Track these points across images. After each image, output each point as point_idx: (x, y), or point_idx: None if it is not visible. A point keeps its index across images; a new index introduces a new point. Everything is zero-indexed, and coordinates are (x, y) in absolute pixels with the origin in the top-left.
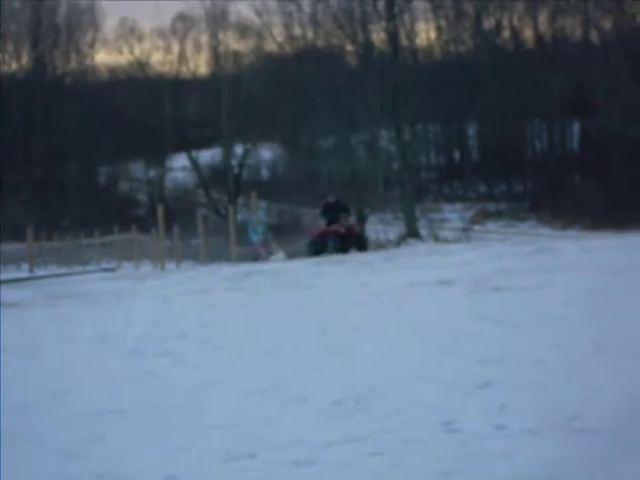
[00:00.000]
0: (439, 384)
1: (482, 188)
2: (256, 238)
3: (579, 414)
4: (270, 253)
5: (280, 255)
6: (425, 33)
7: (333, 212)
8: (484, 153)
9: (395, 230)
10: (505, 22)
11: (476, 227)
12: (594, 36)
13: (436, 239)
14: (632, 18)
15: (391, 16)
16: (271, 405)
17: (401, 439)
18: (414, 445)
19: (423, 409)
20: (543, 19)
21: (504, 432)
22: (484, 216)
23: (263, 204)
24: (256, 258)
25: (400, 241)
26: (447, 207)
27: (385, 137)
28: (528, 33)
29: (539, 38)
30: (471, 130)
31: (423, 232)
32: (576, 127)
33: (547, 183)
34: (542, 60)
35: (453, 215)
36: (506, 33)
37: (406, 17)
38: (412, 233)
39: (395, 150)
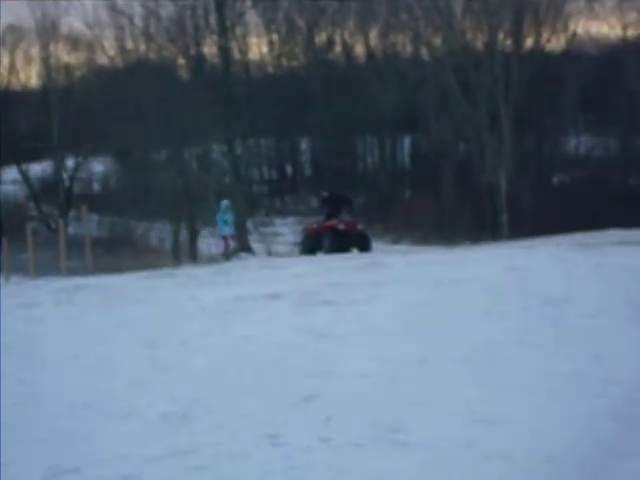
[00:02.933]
0: (265, 397)
1: (314, 202)
2: (227, 230)
3: (401, 427)
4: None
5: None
6: (257, 47)
7: (331, 205)
8: (316, 167)
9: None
10: (337, 37)
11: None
12: (424, 52)
13: (268, 253)
14: (461, 35)
15: (223, 30)
16: (95, 420)
17: (226, 453)
18: (239, 459)
19: (249, 422)
20: (374, 35)
21: (329, 445)
22: None
23: (226, 201)
24: (226, 253)
25: (232, 255)
26: (279, 221)
27: (217, 151)
28: (360, 49)
29: (370, 54)
30: (304, 144)
31: (255, 246)
32: (407, 142)
33: (378, 197)
34: (373, 75)
35: (285, 229)
36: (338, 48)
37: (238, 31)
38: (244, 247)
39: (227, 164)
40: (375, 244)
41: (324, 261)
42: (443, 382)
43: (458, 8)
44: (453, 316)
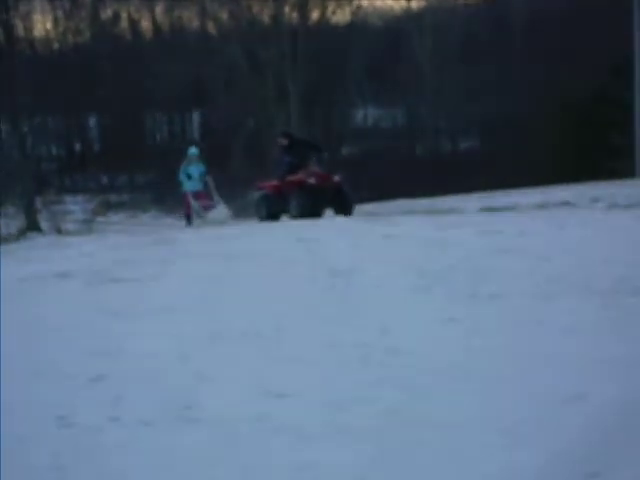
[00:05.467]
0: (55, 379)
1: (104, 179)
2: (190, 186)
3: (192, 403)
4: (211, 207)
5: (224, 211)
6: (42, 24)
7: (297, 152)
8: (105, 144)
9: (16, 224)
10: (123, 12)
11: (99, 219)
12: (211, 27)
13: (59, 232)
14: (248, 10)
15: (5, 7)
16: None
17: (16, 436)
18: (29, 441)
19: (37, 404)
20: (160, 9)
21: (118, 424)
22: (106, 207)
23: (194, 148)
24: (188, 216)
25: (20, 235)
26: (69, 199)
27: (3, 129)
28: (146, 24)
29: (157, 29)
30: (92, 121)
31: (45, 225)
32: (196, 117)
33: (169, 173)
34: (161, 51)
35: (75, 207)
36: (124, 23)
37: (21, 8)
38: (33, 226)
39: (13, 141)
40: (167, 220)
41: (114, 239)
42: (234, 357)
43: None
44: (244, 290)
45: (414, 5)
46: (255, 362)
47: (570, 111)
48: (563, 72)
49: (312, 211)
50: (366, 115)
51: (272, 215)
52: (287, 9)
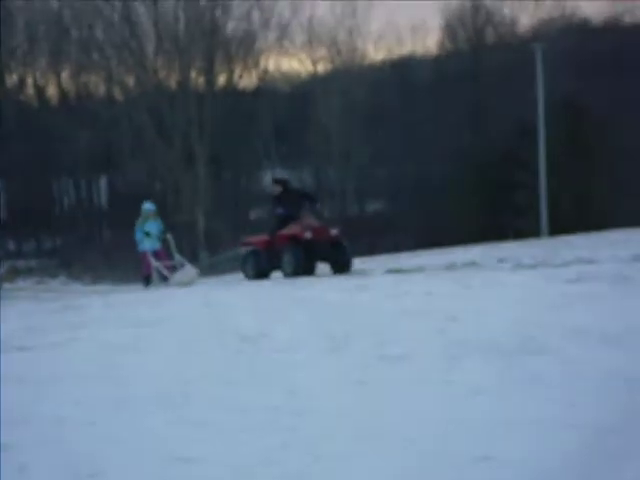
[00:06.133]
0: None
1: (11, 245)
2: (149, 245)
3: (98, 471)
4: (172, 268)
5: (191, 271)
6: None
7: (290, 202)
8: (11, 210)
9: None
10: (29, 78)
11: (7, 285)
12: (118, 92)
13: None
14: (154, 74)
15: None
16: None
17: None
18: None
19: None
20: (66, 75)
21: None
22: (14, 274)
23: (149, 204)
24: (147, 277)
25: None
26: None
27: None
28: (52, 89)
29: (63, 94)
30: None
31: None
32: (104, 182)
33: (77, 239)
34: (67, 116)
35: None
36: (30, 90)
37: None
38: None
39: None
40: (75, 286)
41: (21, 306)
42: (140, 423)
43: (150, 47)
44: (151, 356)
45: (320, 69)
46: (162, 427)
47: (476, 172)
48: (469, 134)
49: (306, 268)
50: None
51: (262, 273)
52: (193, 74)
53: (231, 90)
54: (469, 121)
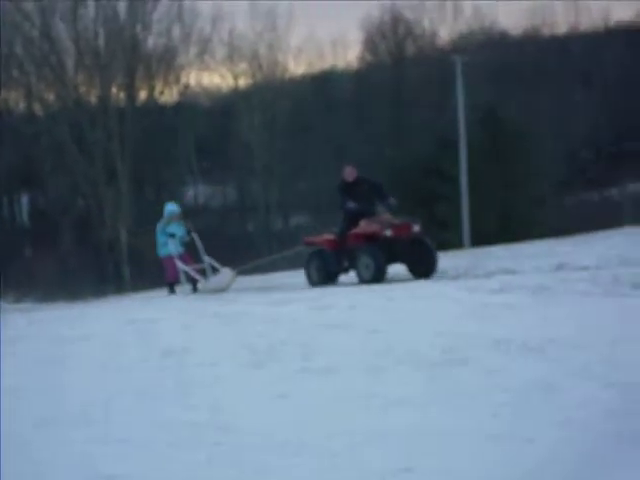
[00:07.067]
0: None
1: None
2: (174, 248)
3: None
4: (203, 272)
5: (229, 274)
6: None
7: (362, 197)
8: None
9: None
10: None
11: None
12: (38, 108)
13: None
14: (74, 90)
15: None
16: None
17: None
18: None
19: None
20: None
21: None
22: None
23: (173, 205)
24: (172, 284)
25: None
26: None
27: None
28: None
29: None
30: None
31: None
32: (25, 199)
33: None
34: None
35: None
36: None
37: None
38: None
39: None
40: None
41: None
42: (63, 441)
43: (70, 62)
44: (72, 373)
45: (241, 83)
46: (85, 445)
47: (399, 185)
48: (391, 147)
49: (383, 270)
50: (196, 193)
51: (329, 277)
52: (114, 90)
53: (152, 105)
54: (391, 134)
